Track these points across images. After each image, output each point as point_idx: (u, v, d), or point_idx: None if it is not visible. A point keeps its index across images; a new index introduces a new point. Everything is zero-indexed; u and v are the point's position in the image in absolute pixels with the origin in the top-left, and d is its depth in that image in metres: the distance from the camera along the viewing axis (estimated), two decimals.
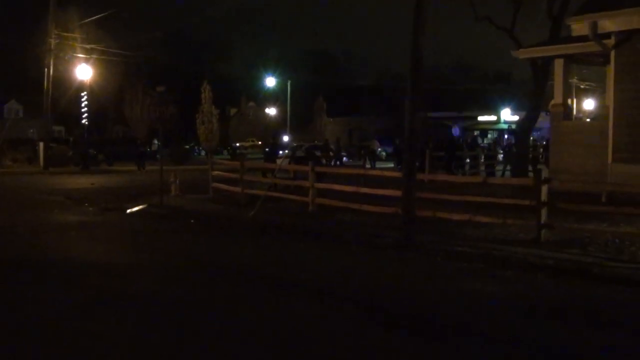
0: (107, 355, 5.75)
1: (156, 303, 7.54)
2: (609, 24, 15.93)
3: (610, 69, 16.79)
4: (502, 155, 33.35)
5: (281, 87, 71.98)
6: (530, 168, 24.81)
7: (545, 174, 11.87)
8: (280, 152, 32.78)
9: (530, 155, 27.76)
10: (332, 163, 34.99)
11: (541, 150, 36.55)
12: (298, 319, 6.86)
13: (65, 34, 37.68)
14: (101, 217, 15.89)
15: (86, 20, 37.97)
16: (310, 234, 12.57)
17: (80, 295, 7.86)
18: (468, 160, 31.45)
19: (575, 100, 23.54)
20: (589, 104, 43.85)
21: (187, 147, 55.32)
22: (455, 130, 53.62)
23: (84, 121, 41.36)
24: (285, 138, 63.55)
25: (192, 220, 14.97)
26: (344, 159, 41.83)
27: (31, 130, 58.57)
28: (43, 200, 19.64)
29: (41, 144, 37.44)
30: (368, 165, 36.91)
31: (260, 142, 67.55)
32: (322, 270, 9.65)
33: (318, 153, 38.28)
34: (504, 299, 7.91)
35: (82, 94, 40.87)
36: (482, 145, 43.21)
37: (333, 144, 41.51)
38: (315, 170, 16.09)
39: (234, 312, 7.16)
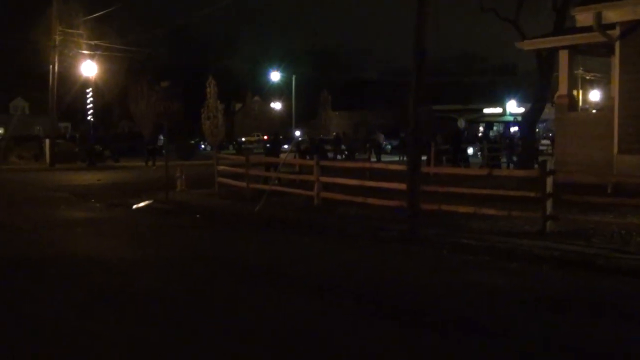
0: (106, 355, 5.72)
1: (157, 301, 7.51)
2: (614, 14, 15.84)
3: (615, 60, 16.72)
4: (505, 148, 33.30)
5: (286, 81, 71.96)
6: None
7: (550, 165, 11.84)
8: (286, 146, 32.74)
9: None
10: (338, 157, 34.90)
11: (549, 142, 36.45)
12: (301, 315, 6.84)
13: (69, 30, 37.72)
14: (107, 213, 15.93)
15: (90, 17, 37.99)
16: (315, 228, 12.55)
17: (79, 294, 7.84)
18: (479, 153, 31.38)
19: (580, 92, 23.44)
20: (594, 95, 43.64)
21: (193, 142, 55.26)
22: (462, 123, 53.49)
23: (89, 117, 41.38)
24: (297, 133, 63.45)
25: (197, 216, 15.01)
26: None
27: (37, 127, 58.86)
28: (49, 197, 19.72)
29: (47, 141, 37.61)
30: (373, 159, 36.85)
31: (264, 137, 67.48)
32: (327, 264, 9.64)
33: (328, 147, 38.23)
34: (509, 291, 7.89)
35: (88, 91, 40.89)
36: (491, 137, 43.13)
37: (347, 138, 41.04)
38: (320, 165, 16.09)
39: (235, 311, 7.11)
